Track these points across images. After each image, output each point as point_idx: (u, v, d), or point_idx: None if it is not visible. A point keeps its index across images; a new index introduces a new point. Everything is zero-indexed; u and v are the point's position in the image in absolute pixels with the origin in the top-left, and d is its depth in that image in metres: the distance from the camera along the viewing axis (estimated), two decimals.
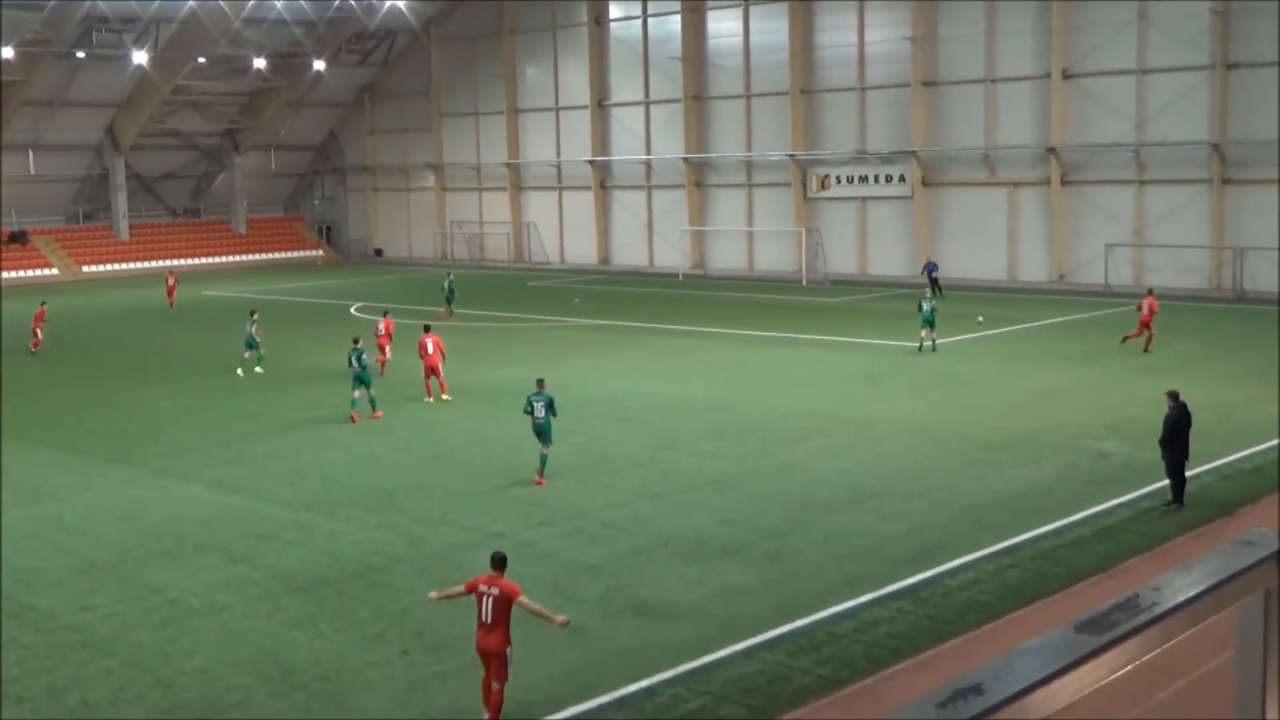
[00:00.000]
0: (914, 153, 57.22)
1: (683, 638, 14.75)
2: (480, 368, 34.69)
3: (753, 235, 63.99)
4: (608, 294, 55.42)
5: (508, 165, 73.46)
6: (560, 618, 12.90)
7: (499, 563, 12.95)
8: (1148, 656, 2.17)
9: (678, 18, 64.85)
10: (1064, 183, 53.64)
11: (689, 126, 64.89)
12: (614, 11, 68.34)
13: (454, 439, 26.20)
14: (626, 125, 68.28)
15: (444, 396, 30.08)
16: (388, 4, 68.44)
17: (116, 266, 71.90)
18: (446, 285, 48.23)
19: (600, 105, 68.93)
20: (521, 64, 72.41)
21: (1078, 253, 53.81)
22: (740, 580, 16.76)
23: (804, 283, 57.79)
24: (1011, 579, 16.57)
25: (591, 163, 69.28)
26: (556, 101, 70.94)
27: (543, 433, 22.18)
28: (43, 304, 42.80)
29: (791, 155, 61.18)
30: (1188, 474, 19.86)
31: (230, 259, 76.55)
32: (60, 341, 41.34)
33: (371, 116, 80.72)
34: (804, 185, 61.59)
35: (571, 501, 20.85)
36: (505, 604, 12.51)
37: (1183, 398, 20.10)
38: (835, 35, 59.65)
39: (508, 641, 12.51)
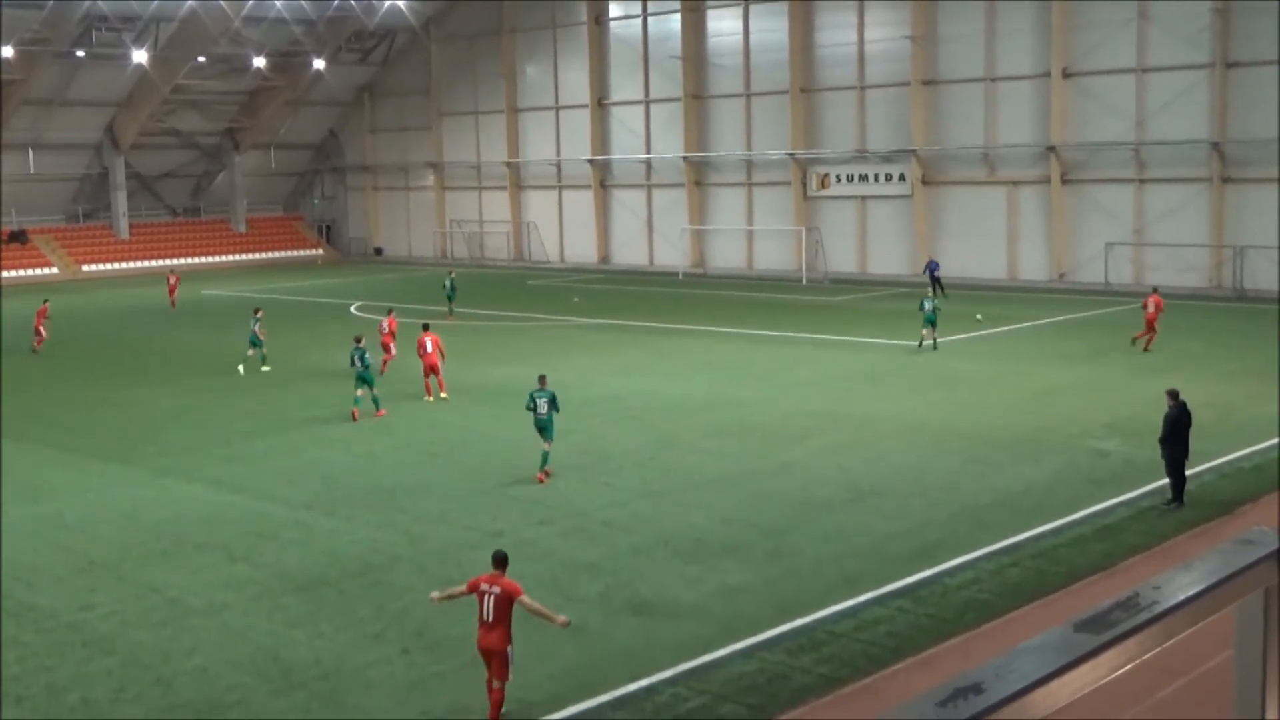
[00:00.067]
0: (914, 151, 57.23)
1: (682, 636, 14.74)
2: (480, 367, 34.69)
3: (753, 234, 64.00)
4: (608, 293, 55.42)
5: (507, 164, 73.46)
6: (561, 618, 12.89)
7: (500, 561, 12.95)
8: (1148, 655, 2.17)
9: (677, 16, 64.85)
10: (1064, 181, 53.64)
11: (689, 125, 64.89)
12: (614, 10, 68.34)
13: (454, 438, 26.21)
14: (626, 124, 68.28)
15: (442, 395, 30.09)
16: (387, 3, 68.43)
17: (116, 266, 71.89)
18: (448, 283, 48.22)
19: (600, 104, 68.93)
20: (521, 63, 72.41)
21: (1078, 251, 53.81)
22: (740, 579, 16.76)
23: (804, 282, 57.80)
24: (1011, 578, 16.57)
25: (591, 162, 69.28)
26: (556, 100, 70.95)
27: (545, 428, 22.26)
28: (45, 301, 42.80)
29: (791, 154, 61.18)
30: (1188, 472, 19.86)
31: (230, 258, 76.56)
32: (60, 340, 41.32)
33: (371, 115, 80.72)
34: (804, 184, 61.60)
35: (571, 500, 20.85)
36: (506, 603, 12.51)
37: (1183, 396, 20.10)
38: (835, 34, 59.64)
39: (509, 640, 12.51)
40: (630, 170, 68.91)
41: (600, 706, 13.01)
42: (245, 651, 14.63)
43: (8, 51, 60.12)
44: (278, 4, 65.44)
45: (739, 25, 63.13)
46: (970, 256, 55.61)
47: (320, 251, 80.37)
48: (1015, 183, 55.40)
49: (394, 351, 34.07)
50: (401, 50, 77.24)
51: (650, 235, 68.14)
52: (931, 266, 50.47)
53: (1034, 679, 1.97)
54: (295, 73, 73.32)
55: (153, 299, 56.30)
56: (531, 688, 13.15)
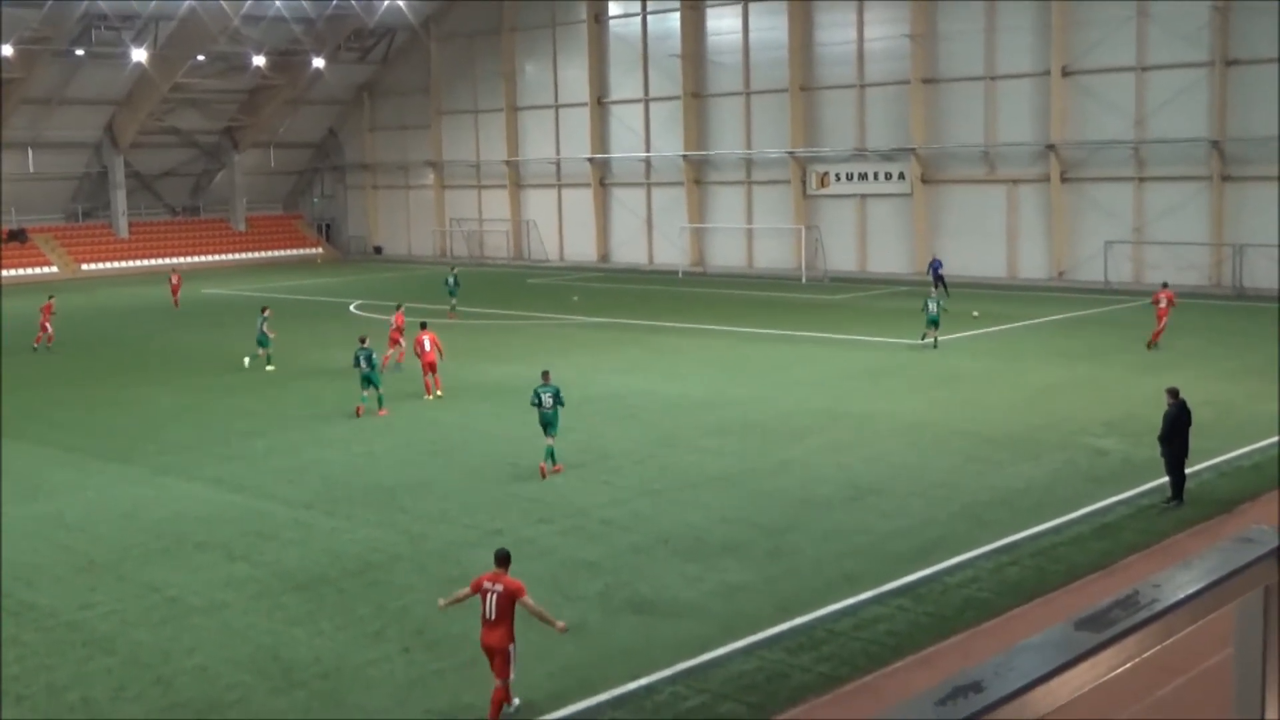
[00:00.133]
0: (913, 150, 57.22)
1: (682, 635, 14.74)
2: (480, 365, 34.69)
3: (752, 233, 63.99)
4: (607, 291, 55.41)
5: (507, 163, 73.45)
6: (560, 624, 12.93)
7: (503, 560, 13.00)
8: (1147, 653, 2.17)
9: (677, 15, 64.83)
10: (1063, 180, 53.64)
11: (688, 124, 64.87)
12: (613, 9, 68.32)
13: (453, 437, 26.21)
14: (626, 123, 68.27)
15: (438, 393, 30.10)
16: (387, 1, 68.43)
17: (116, 264, 71.88)
18: (450, 280, 48.14)
19: (600, 102, 68.92)
20: (521, 61, 72.39)
21: (1077, 250, 53.81)
22: (740, 577, 16.76)
23: (803, 280, 57.79)
24: (1011, 576, 16.58)
25: (591, 160, 69.26)
26: (556, 99, 70.93)
27: (549, 423, 22.37)
28: (50, 298, 42.77)
29: (791, 153, 61.17)
30: (1187, 471, 19.85)
31: (229, 257, 76.56)
32: (60, 340, 41.27)
33: (371, 114, 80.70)
34: (803, 183, 61.59)
35: (571, 499, 20.85)
36: (509, 601, 12.55)
37: (1182, 394, 20.10)
38: (834, 32, 59.63)
39: (511, 638, 12.54)
40: (630, 169, 68.89)
41: (600, 705, 13.02)
42: (245, 650, 14.63)
43: (7, 50, 60.10)
44: (277, 3, 65.43)
45: (738, 24, 63.12)
46: (970, 255, 55.59)
47: (320, 250, 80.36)
48: (1015, 181, 55.39)
49: (405, 344, 34.08)
50: (401, 49, 77.22)
51: (650, 234, 68.13)
52: (935, 265, 50.27)
53: (1034, 677, 1.97)
54: (295, 71, 73.30)
55: (152, 298, 56.30)
56: (531, 686, 13.16)
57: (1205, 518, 18.97)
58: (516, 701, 12.82)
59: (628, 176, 69.11)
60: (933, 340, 35.88)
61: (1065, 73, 52.72)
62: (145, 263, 71.97)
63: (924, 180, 57.60)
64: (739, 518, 19.53)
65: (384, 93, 79.91)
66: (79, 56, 65.41)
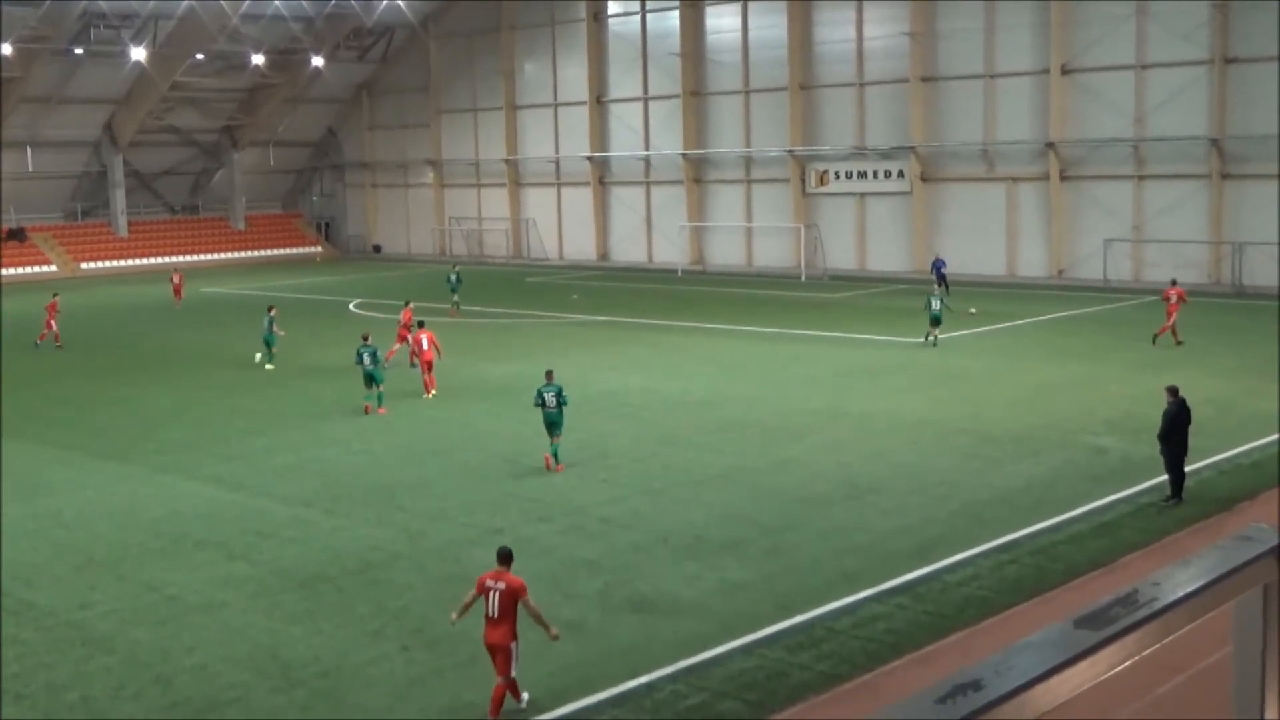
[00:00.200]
0: (913, 148, 57.22)
1: (682, 633, 14.75)
2: (479, 364, 34.69)
3: (751, 231, 63.98)
4: (606, 290, 55.42)
5: (506, 161, 73.43)
6: (554, 630, 12.97)
7: (505, 558, 13.05)
8: (1147, 652, 2.17)
9: (676, 13, 64.82)
10: (1063, 178, 53.64)
11: (688, 122, 64.86)
12: (612, 7, 68.30)
13: (453, 435, 26.21)
14: (625, 121, 68.25)
15: (432, 392, 30.05)
16: (386, 0, 68.40)
17: (115, 263, 71.83)
18: (452, 278, 48.07)
19: (599, 101, 68.90)
20: (520, 60, 72.36)
21: (1077, 248, 53.82)
22: (739, 576, 16.76)
23: (803, 278, 57.79)
24: (1010, 574, 16.58)
25: (590, 159, 69.25)
26: (555, 97, 70.91)
27: (554, 424, 22.39)
28: (55, 295, 42.77)
29: (790, 151, 61.16)
30: (1187, 469, 19.86)
31: (229, 256, 76.54)
32: (62, 338, 41.24)
33: (370, 113, 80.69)
34: (803, 181, 61.58)
35: (570, 497, 20.85)
36: (511, 599, 12.61)
37: (1182, 393, 20.10)
38: (834, 30, 59.62)
39: (513, 636, 12.58)
40: (629, 167, 68.88)
41: (600, 704, 13.02)
42: (244, 649, 14.63)
43: (6, 49, 60.07)
44: (276, 1, 65.39)
45: (738, 22, 63.11)
46: (969, 253, 55.57)
47: (319, 249, 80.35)
48: (1014, 179, 55.39)
49: (409, 343, 34.07)
50: (400, 47, 77.19)
51: (649, 232, 68.12)
52: (938, 264, 50.14)
53: (1033, 675, 1.97)
54: (294, 70, 73.28)
55: (152, 297, 56.29)
56: (531, 685, 13.16)
57: (1205, 516, 18.98)
58: (526, 697, 12.85)
59: (627, 175, 69.10)
60: (933, 338, 35.89)
61: (1065, 71, 52.72)
62: (144, 261, 71.94)
63: (923, 178, 57.60)
64: (738, 516, 19.53)
65: (383, 91, 79.88)
66: (78, 55, 65.38)
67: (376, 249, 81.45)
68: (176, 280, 54.01)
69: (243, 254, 77.24)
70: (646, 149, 67.41)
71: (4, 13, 58.73)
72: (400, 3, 68.00)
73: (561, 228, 72.23)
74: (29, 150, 70.22)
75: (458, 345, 35.90)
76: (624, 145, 68.49)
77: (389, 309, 46.89)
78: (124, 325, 47.47)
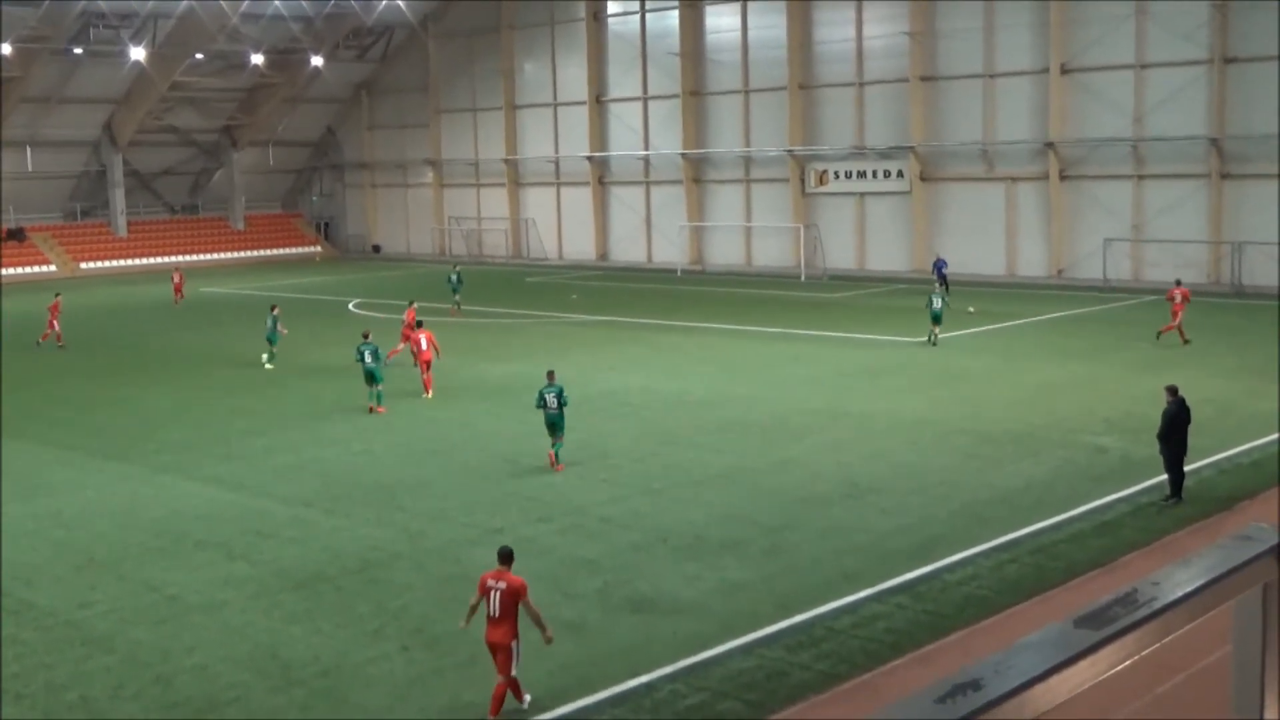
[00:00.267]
0: (912, 148, 57.21)
1: (681, 633, 14.75)
2: (479, 364, 34.68)
3: (751, 231, 63.97)
4: (606, 290, 55.42)
5: (506, 161, 73.41)
6: (549, 633, 12.97)
7: (506, 557, 13.07)
8: (1146, 651, 2.17)
9: (676, 13, 64.81)
10: (1062, 178, 53.63)
11: (687, 122, 64.85)
12: (612, 7, 68.29)
13: (453, 435, 26.21)
14: (625, 121, 68.24)
15: (429, 392, 30.02)
16: (385, 0, 68.38)
17: (114, 263, 71.81)
18: (453, 278, 48.06)
19: (598, 101, 68.89)
20: (520, 59, 72.35)
21: (1076, 248, 53.81)
22: (739, 575, 16.76)
23: (802, 278, 57.78)
24: (1010, 574, 16.59)
25: (590, 158, 69.24)
26: (555, 97, 70.90)
27: (555, 425, 22.38)
28: (57, 295, 42.77)
29: (790, 151, 61.15)
30: (1186, 469, 19.86)
31: (228, 255, 76.52)
32: (63, 338, 41.26)
33: (369, 112, 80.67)
34: (802, 181, 61.57)
35: (570, 497, 20.85)
36: (512, 598, 12.64)
37: (1181, 392, 20.10)
38: (833, 30, 59.62)
39: (514, 635, 12.60)
40: (628, 167, 68.87)
41: (599, 703, 13.02)
42: (244, 649, 14.63)
43: (6, 49, 60.07)
44: (275, 1, 65.38)
45: (737, 22, 63.10)
46: (969, 253, 55.56)
47: (318, 249, 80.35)
48: (1014, 179, 55.39)
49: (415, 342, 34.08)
50: (399, 47, 77.17)
51: (649, 232, 68.11)
52: (939, 264, 50.12)
53: (1033, 675, 1.97)
54: (293, 70, 73.27)
55: (151, 297, 56.28)
56: (530, 684, 13.16)
57: (1204, 515, 18.99)
58: (528, 698, 12.85)
59: (626, 175, 69.09)
60: (934, 337, 35.90)
61: (1064, 70, 52.72)
62: (144, 261, 71.93)
63: (923, 178, 57.59)
64: (738, 516, 19.53)
65: (382, 91, 79.86)
66: (77, 55, 65.36)
67: (376, 249, 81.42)
68: (177, 280, 54.07)
69: (242, 254, 77.23)
70: (646, 149, 67.40)
71: (4, 13, 58.73)
72: (400, 2, 67.99)
73: (561, 227, 72.22)
74: (29, 150, 70.21)
75: (458, 345, 35.89)
76: (623, 145, 68.48)
77: (389, 309, 46.91)
78: (124, 325, 47.45)
